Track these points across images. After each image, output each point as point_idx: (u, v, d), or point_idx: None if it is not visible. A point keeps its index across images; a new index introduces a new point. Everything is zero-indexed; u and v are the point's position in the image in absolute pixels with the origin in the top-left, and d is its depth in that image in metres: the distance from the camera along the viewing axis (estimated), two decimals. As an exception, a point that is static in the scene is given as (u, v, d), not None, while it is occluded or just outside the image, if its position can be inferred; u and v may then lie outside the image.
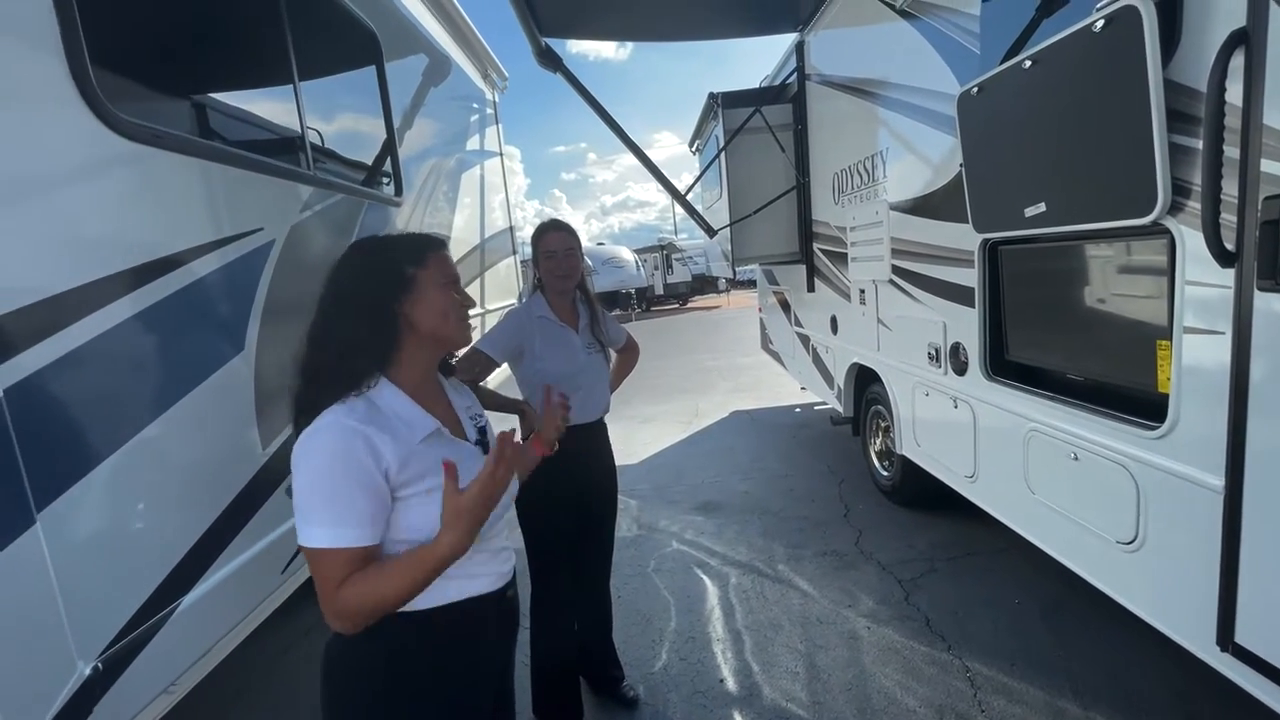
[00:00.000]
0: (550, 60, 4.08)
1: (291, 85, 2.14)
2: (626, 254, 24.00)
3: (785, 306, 5.60)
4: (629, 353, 2.47)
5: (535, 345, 2.05)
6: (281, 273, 1.95)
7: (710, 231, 4.84)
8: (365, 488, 0.97)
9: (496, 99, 5.39)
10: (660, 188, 4.75)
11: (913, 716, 2.13)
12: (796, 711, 2.22)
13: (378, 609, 0.97)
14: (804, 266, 4.80)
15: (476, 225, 4.66)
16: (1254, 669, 1.51)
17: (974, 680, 2.27)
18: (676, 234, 37.90)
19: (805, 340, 5.11)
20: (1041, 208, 2.03)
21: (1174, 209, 1.59)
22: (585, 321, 2.16)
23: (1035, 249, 2.25)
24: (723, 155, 4.81)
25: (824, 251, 4.42)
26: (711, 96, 4.96)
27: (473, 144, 4.71)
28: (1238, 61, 1.38)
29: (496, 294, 4.89)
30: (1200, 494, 1.60)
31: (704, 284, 26.73)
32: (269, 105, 2.16)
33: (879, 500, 3.95)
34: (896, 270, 3.27)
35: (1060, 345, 2.24)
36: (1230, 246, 1.44)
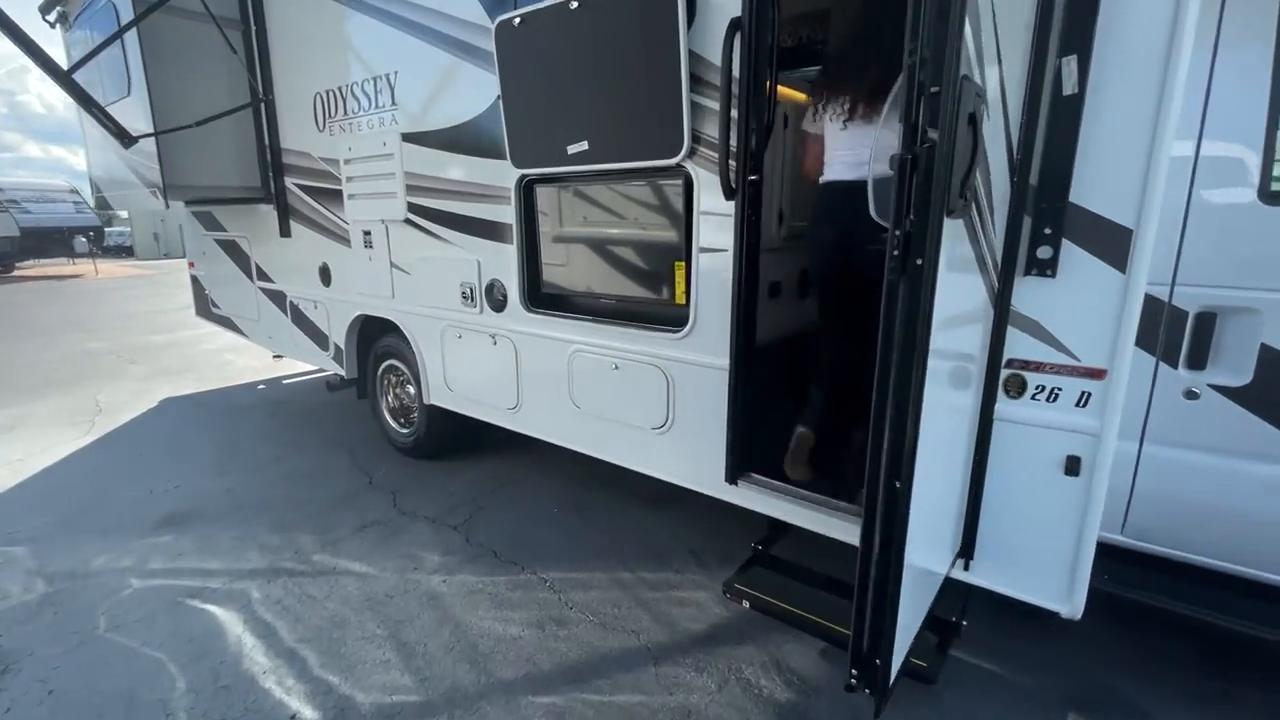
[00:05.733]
0: None
1: None
2: None
3: (240, 258, 4.50)
4: None
5: None
6: None
7: (125, 139, 3.37)
8: None
9: None
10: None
11: (519, 641, 2.13)
12: (407, 699, 1.88)
13: None
14: (272, 207, 3.96)
15: None
16: (752, 489, 2.14)
17: (554, 586, 2.45)
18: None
19: (279, 297, 4.26)
20: (584, 145, 2.26)
21: (691, 154, 2.04)
22: None
23: (573, 186, 2.49)
24: (135, 35, 3.41)
25: (303, 187, 3.74)
26: (107, -58, 3.42)
27: None
28: (737, 42, 1.84)
29: None
30: (713, 375, 2.14)
31: (48, 244, 18.67)
32: None
33: (401, 460, 3.72)
34: (414, 208, 3.07)
35: (598, 272, 2.55)
36: (734, 184, 1.94)
